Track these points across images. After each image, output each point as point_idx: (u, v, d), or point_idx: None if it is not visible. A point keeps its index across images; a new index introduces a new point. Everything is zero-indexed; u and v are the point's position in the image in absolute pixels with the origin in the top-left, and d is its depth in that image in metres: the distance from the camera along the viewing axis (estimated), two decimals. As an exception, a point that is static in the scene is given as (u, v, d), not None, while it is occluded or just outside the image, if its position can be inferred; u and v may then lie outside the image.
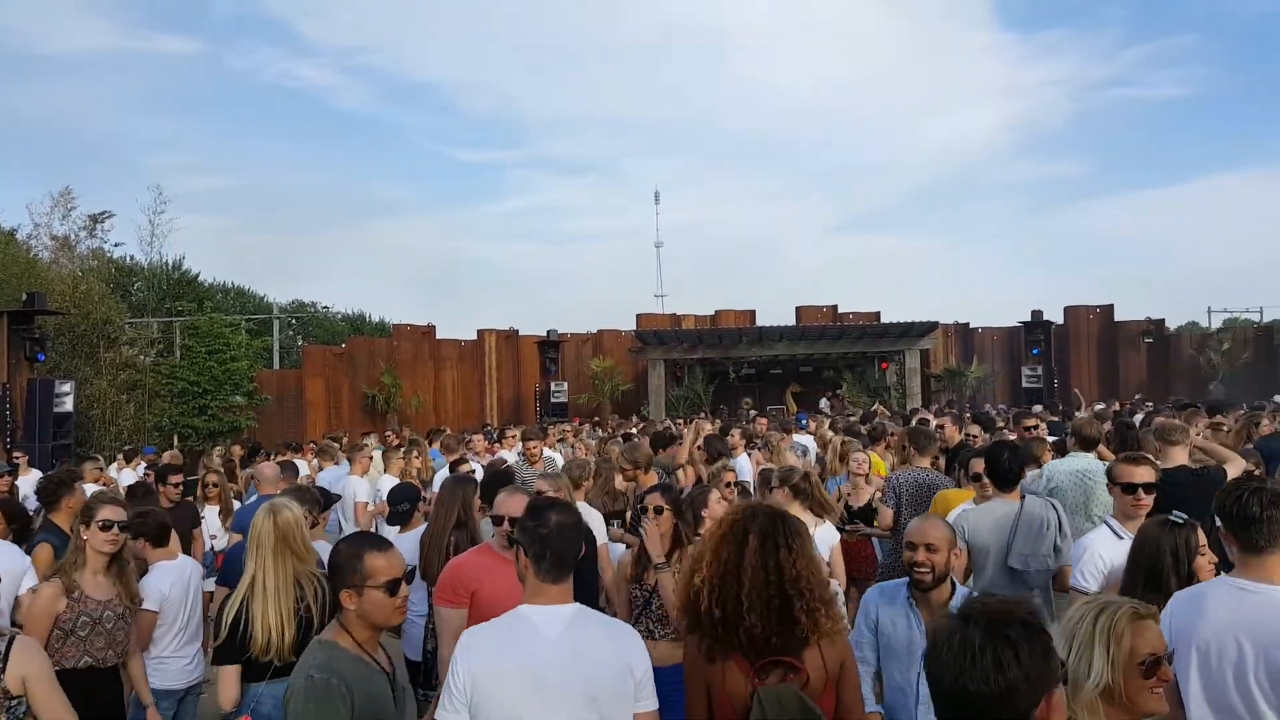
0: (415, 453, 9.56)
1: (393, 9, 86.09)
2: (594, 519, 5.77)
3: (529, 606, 2.61)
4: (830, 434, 10.51)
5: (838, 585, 4.82)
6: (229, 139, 77.98)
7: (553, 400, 25.42)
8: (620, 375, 26.59)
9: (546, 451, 9.21)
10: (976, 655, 1.64)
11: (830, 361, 26.26)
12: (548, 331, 26.79)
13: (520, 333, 28.12)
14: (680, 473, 8.62)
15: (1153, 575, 3.25)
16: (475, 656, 2.51)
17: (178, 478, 7.22)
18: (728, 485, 6.27)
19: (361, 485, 8.78)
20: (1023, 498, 4.77)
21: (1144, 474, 4.16)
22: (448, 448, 10.41)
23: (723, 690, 2.60)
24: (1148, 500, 4.11)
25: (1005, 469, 4.85)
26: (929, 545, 3.33)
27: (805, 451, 10.17)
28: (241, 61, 75.41)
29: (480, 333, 27.78)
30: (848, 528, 6.33)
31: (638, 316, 28.11)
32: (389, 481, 8.47)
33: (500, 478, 5.97)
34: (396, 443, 13.61)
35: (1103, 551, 3.96)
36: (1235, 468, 4.87)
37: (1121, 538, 4.01)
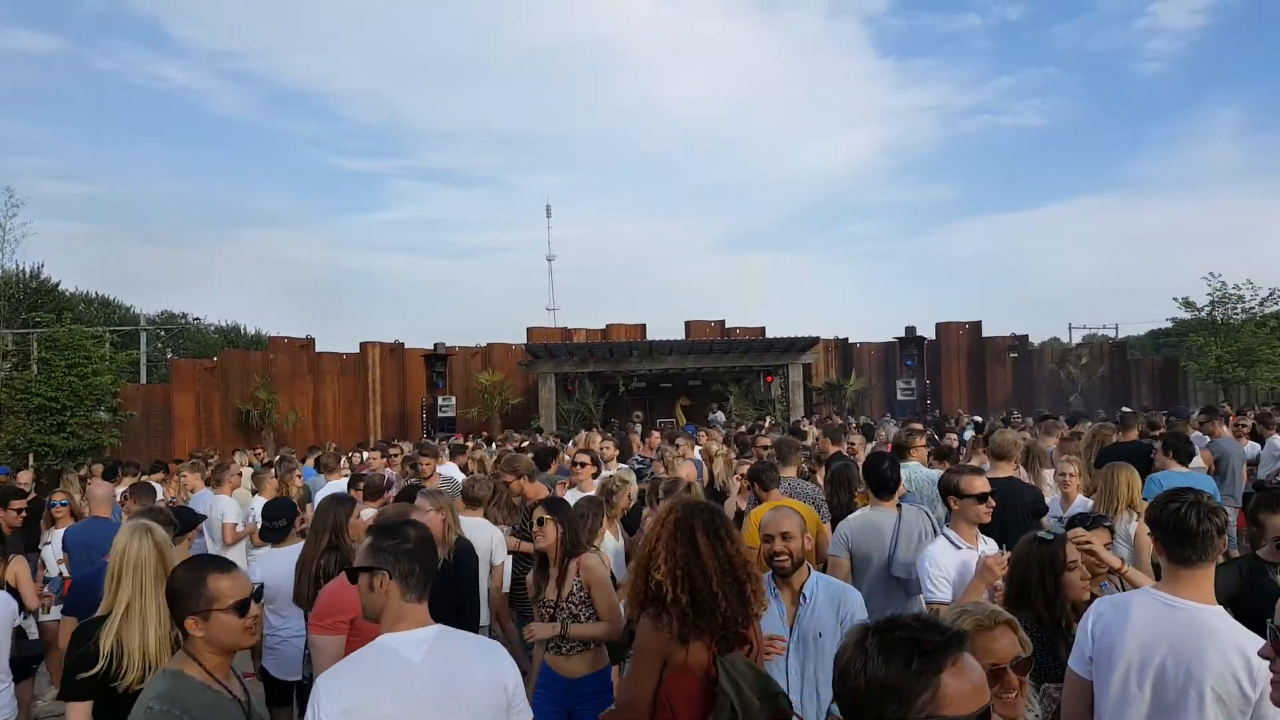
0: (291, 471, 9.14)
1: (269, 12, 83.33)
2: (495, 536, 5.69)
3: (390, 636, 2.49)
4: (716, 446, 10.65)
5: None
6: (92, 142, 73.79)
7: (440, 415, 24.93)
8: (510, 389, 26.31)
9: (447, 471, 8.94)
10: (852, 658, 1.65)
11: (718, 375, 26.69)
12: (435, 345, 26.29)
13: (406, 346, 27.49)
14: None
15: (1022, 589, 3.32)
16: (341, 701, 2.35)
17: (20, 502, 6.70)
18: (629, 497, 6.33)
19: (230, 505, 8.37)
20: (900, 507, 4.92)
21: (983, 484, 4.35)
22: (326, 466, 10.03)
23: (685, 665, 2.80)
24: (989, 509, 4.29)
25: (884, 479, 4.99)
26: (784, 534, 3.52)
27: (696, 464, 10.29)
28: (106, 61, 71.52)
29: (363, 345, 26.99)
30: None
31: (528, 330, 27.93)
32: (262, 502, 8.11)
33: (405, 494, 5.82)
34: (266, 460, 13.04)
35: (943, 561, 4.11)
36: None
37: (959, 547, 4.19)
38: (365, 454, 11.86)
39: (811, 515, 5.68)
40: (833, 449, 8.78)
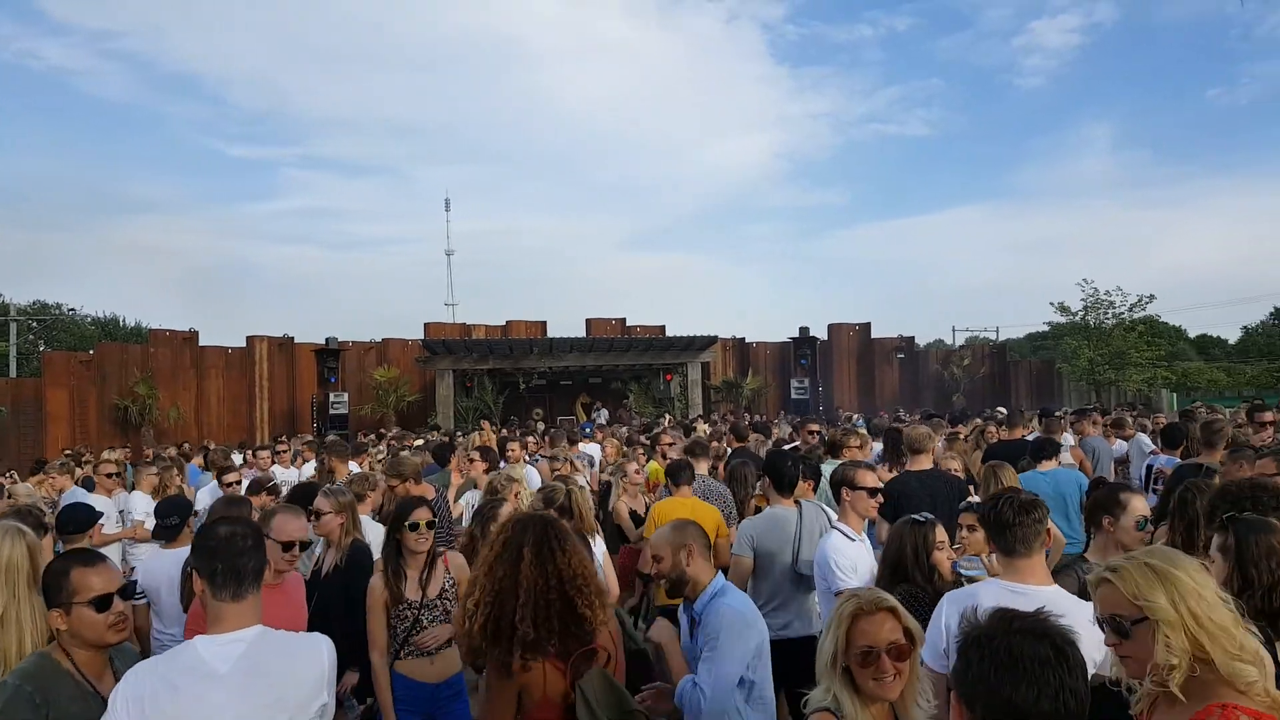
0: (170, 469, 8.70)
1: (155, -12, 79.12)
2: (377, 533, 5.52)
3: (203, 639, 2.41)
4: (616, 443, 10.69)
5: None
6: (-47, 118, 68.39)
7: (332, 412, 24.20)
8: (406, 385, 25.75)
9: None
10: (1071, 669, 1.63)
11: (618, 373, 26.78)
12: (327, 339, 25.50)
13: (296, 340, 26.54)
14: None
15: (898, 568, 3.61)
16: (131, 711, 2.24)
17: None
18: (515, 495, 6.23)
19: (106, 504, 7.92)
20: (799, 504, 5.02)
21: (874, 479, 4.60)
22: (213, 464, 9.61)
23: (544, 693, 2.71)
24: (878, 503, 4.55)
25: (787, 476, 5.10)
26: (655, 558, 3.44)
27: (592, 462, 10.28)
28: (-27, 34, 66.42)
29: (250, 340, 25.94)
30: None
31: (426, 325, 27.39)
32: (140, 500, 7.72)
33: (297, 494, 5.60)
34: (147, 457, 12.38)
35: (847, 551, 4.26)
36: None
37: (854, 539, 4.36)
38: (251, 453, 11.37)
39: (712, 516, 5.77)
40: (737, 445, 8.94)
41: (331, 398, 24.41)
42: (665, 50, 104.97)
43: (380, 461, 10.32)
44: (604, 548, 5.55)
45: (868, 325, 30.29)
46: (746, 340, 29.75)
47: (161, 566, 4.66)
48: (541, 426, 19.34)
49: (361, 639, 4.03)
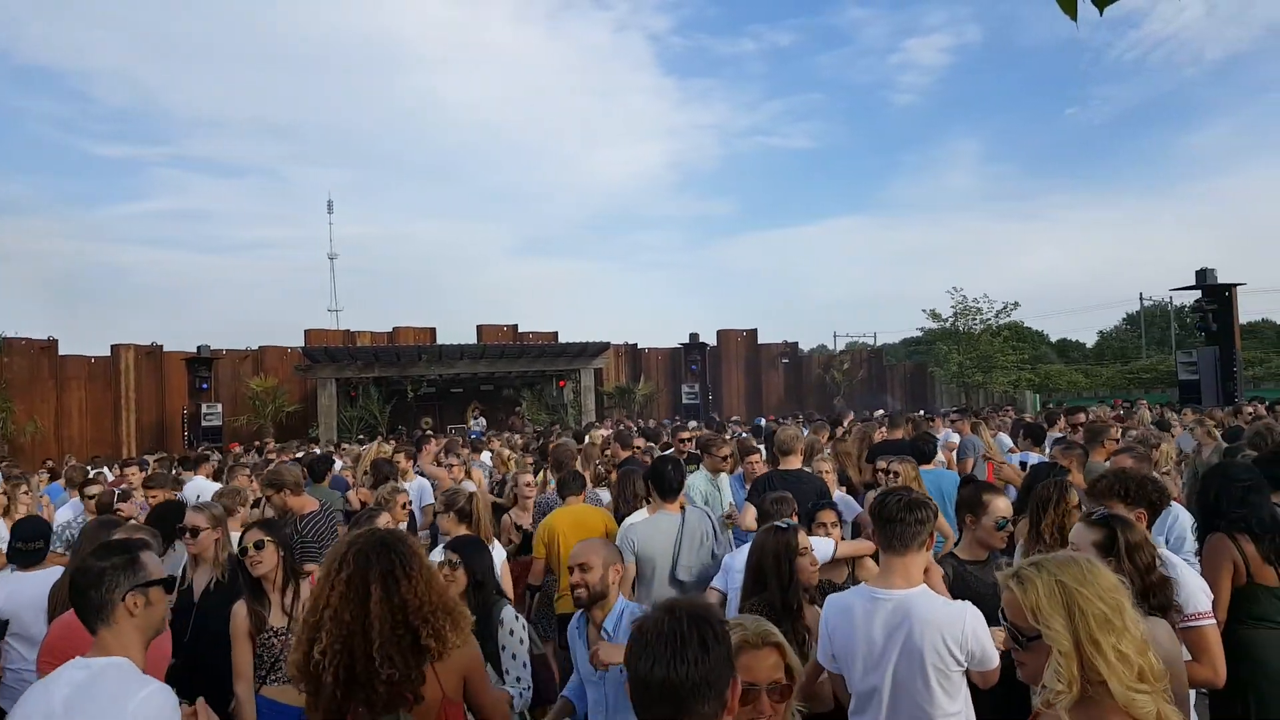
0: (18, 487, 8.09)
1: (5, -28, 73.78)
2: None
3: (76, 660, 2.35)
4: (509, 452, 10.58)
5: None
6: None
7: (205, 424, 23.06)
8: (285, 395, 24.80)
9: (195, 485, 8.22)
10: (684, 641, 1.73)
11: (511, 380, 26.53)
12: (199, 348, 24.28)
13: (165, 349, 25.18)
14: (352, 494, 8.25)
15: (759, 575, 3.56)
16: None
17: None
18: (403, 506, 6.08)
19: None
20: (683, 509, 5.07)
21: None
22: (71, 481, 9.00)
23: None
24: None
25: (669, 482, 5.13)
26: (582, 565, 3.44)
27: (491, 471, 10.14)
28: None
29: (115, 348, 24.44)
30: None
31: (306, 332, 26.43)
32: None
33: (159, 512, 5.30)
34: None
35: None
36: None
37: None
38: (120, 469, 10.67)
39: (599, 518, 5.77)
40: (623, 454, 8.96)
41: (204, 409, 23.25)
42: (554, 57, 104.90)
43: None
44: (504, 555, 5.49)
45: (754, 331, 31.00)
46: (639, 346, 29.96)
47: (19, 594, 4.35)
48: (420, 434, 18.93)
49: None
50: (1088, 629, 1.81)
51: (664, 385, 29.22)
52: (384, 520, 4.69)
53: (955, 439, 9.96)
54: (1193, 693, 3.20)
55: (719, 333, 30.45)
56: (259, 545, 3.84)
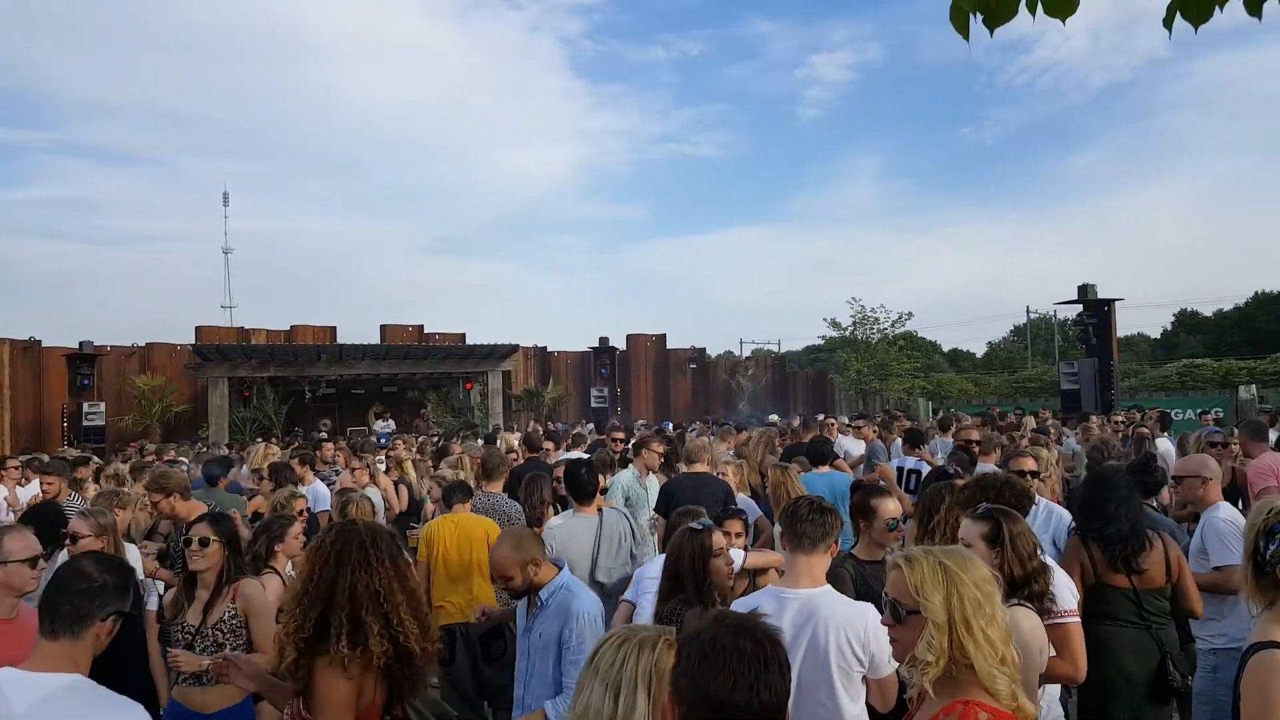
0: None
1: None
2: (132, 555, 5.06)
3: (11, 671, 2.24)
4: (406, 455, 10.42)
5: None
6: None
7: (86, 423, 21.84)
8: (174, 394, 23.72)
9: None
10: (768, 663, 1.70)
11: (415, 382, 26.05)
12: (80, 343, 22.98)
13: (43, 343, 23.76)
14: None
15: (675, 576, 3.65)
16: None
17: None
18: (300, 513, 5.93)
19: None
20: (600, 512, 5.09)
21: None
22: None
23: (372, 706, 2.55)
24: None
25: (584, 485, 5.16)
26: (504, 578, 3.46)
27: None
28: None
29: (-13, 342, 22.96)
30: None
31: (198, 329, 25.31)
32: None
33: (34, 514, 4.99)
34: None
35: None
36: None
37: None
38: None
39: (482, 528, 5.74)
40: (529, 456, 8.94)
41: (86, 407, 22.02)
42: (465, 55, 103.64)
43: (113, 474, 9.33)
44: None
45: (664, 336, 31.32)
46: (548, 349, 29.84)
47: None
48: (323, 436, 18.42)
49: (133, 673, 3.69)
50: (962, 610, 1.97)
51: (573, 389, 29.17)
52: (294, 531, 4.58)
53: (853, 446, 10.30)
54: (1056, 688, 3.42)
55: (629, 337, 30.60)
56: (204, 542, 3.76)
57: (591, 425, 19.29)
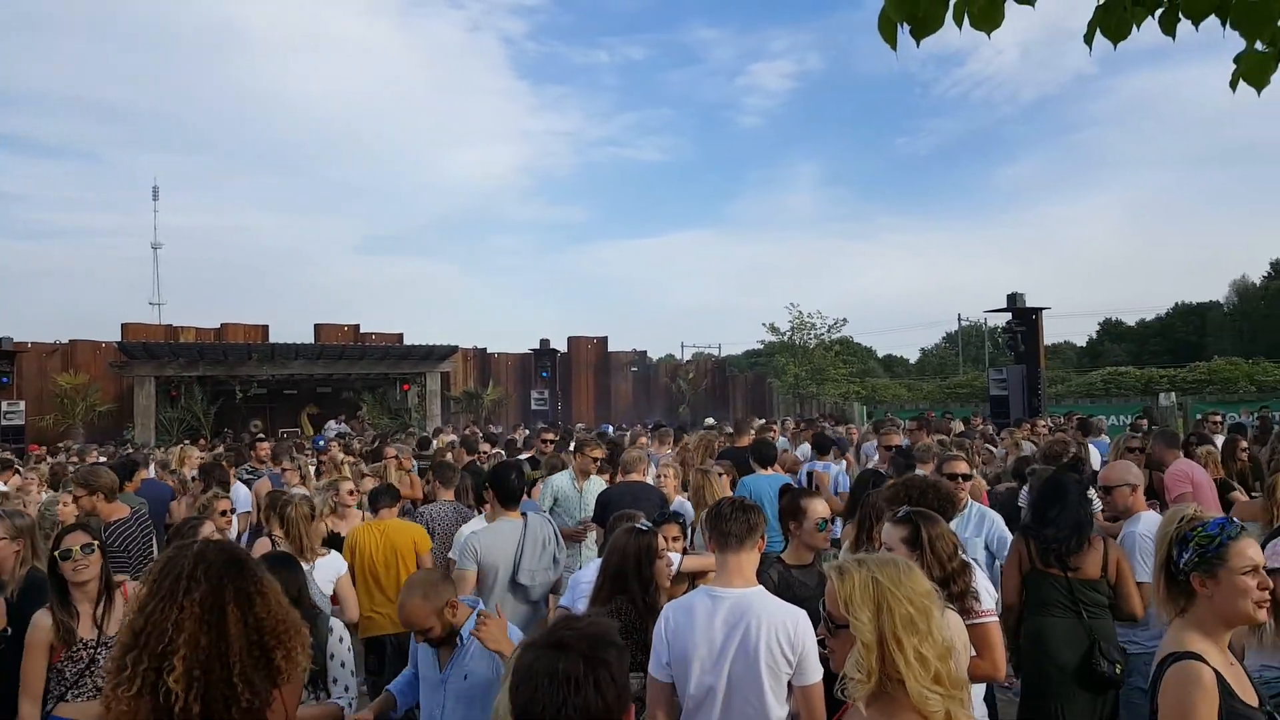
0: None
1: None
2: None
3: None
4: (342, 456, 10.24)
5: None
6: None
7: (5, 422, 20.99)
8: (98, 393, 22.90)
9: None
10: (579, 684, 1.66)
11: (350, 382, 25.59)
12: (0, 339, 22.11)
13: (-41, 340, 22.74)
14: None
15: (618, 577, 3.65)
16: None
17: None
18: (223, 514, 5.79)
19: None
20: (524, 515, 5.08)
21: None
22: None
23: None
24: None
25: (512, 488, 5.13)
26: (422, 631, 3.39)
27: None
28: None
29: (-103, 338, 21.87)
30: None
31: (124, 326, 24.51)
32: None
33: None
34: None
35: None
36: None
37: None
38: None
39: (408, 534, 5.71)
40: (466, 459, 8.87)
41: (4, 406, 21.16)
42: (405, 52, 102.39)
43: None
44: (344, 566, 5.30)
45: (605, 339, 31.26)
46: (488, 351, 29.59)
47: None
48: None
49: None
50: (893, 626, 1.91)
51: (513, 391, 28.97)
52: (208, 529, 4.44)
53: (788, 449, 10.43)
54: (980, 688, 3.52)
55: (570, 339, 30.49)
56: (87, 549, 3.57)
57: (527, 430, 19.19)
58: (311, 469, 9.68)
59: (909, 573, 2.02)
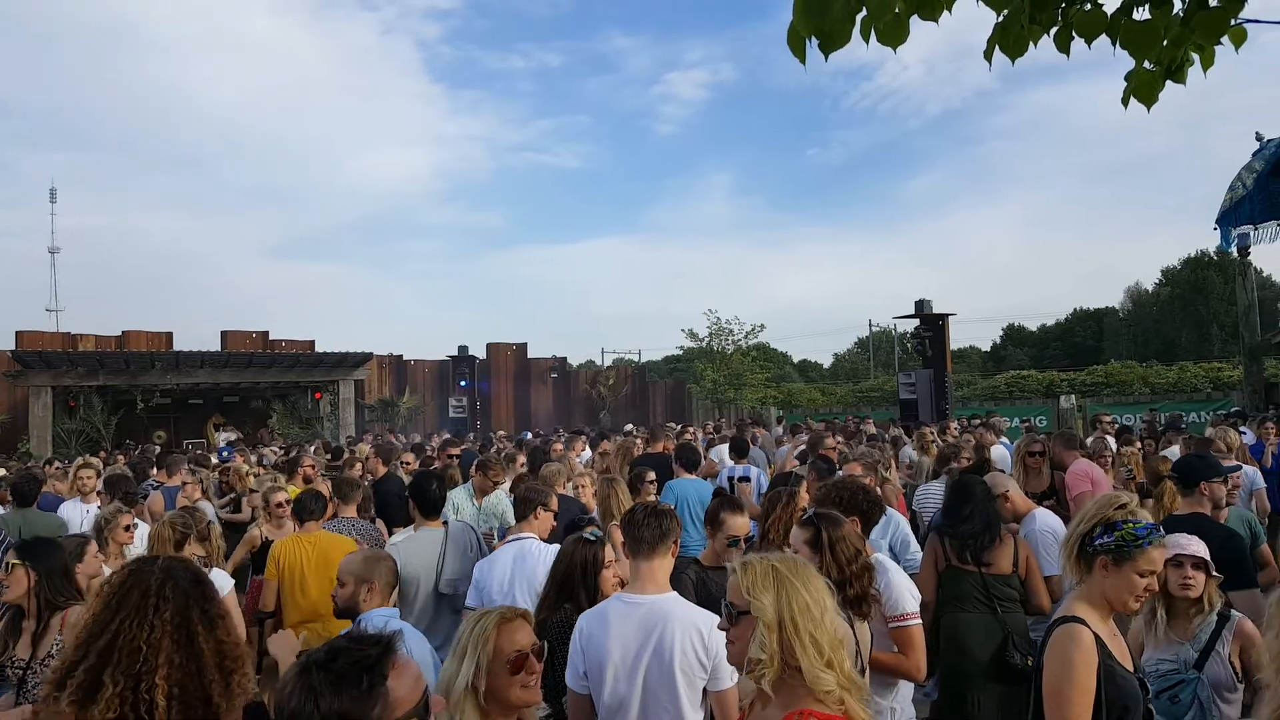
0: None
1: None
2: None
3: None
4: (247, 468, 9.93)
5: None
6: None
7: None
8: (-13, 405, 21.66)
9: None
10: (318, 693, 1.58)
11: (259, 391, 24.79)
12: (-126, 348, 20.71)
13: None
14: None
15: (565, 585, 3.63)
16: None
17: None
18: (125, 529, 5.53)
19: None
20: (446, 524, 5.00)
21: None
22: None
23: None
24: None
25: (432, 498, 5.05)
26: (340, 581, 3.43)
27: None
28: None
29: None
30: None
31: (19, 334, 23.16)
32: None
33: None
34: None
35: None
36: None
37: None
38: None
39: (341, 548, 5.53)
40: (382, 470, 8.69)
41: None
42: (316, 54, 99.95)
43: None
44: (230, 584, 5.10)
45: (525, 345, 31.04)
46: (404, 357, 29.05)
47: None
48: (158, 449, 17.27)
49: None
50: (790, 611, 2.02)
51: (430, 398, 28.51)
52: (91, 550, 4.24)
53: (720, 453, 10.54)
54: (910, 689, 3.62)
55: (489, 346, 30.18)
56: (7, 567, 3.50)
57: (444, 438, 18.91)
58: (213, 482, 9.34)
59: (806, 570, 2.14)
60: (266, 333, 26.14)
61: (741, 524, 4.15)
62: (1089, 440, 9.65)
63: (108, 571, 4.71)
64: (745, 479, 7.69)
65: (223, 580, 4.99)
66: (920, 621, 3.57)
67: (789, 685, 2.01)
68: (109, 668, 2.12)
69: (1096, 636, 2.54)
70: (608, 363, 36.97)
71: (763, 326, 31.27)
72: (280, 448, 16.36)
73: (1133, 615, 2.63)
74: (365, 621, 3.25)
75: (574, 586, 3.60)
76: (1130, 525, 2.65)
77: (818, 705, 1.98)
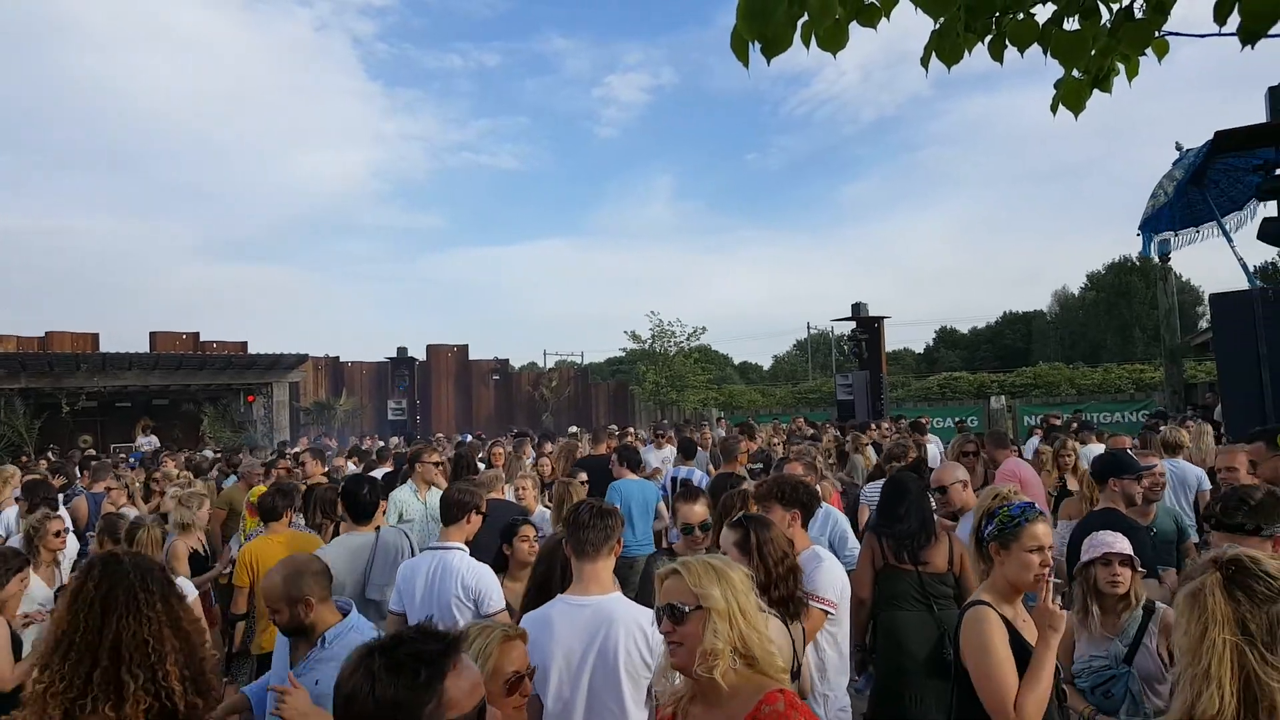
0: None
1: None
2: None
3: None
4: (176, 472, 9.68)
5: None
6: None
7: None
8: (-102, 408, 20.63)
9: None
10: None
11: (190, 393, 24.10)
12: None
13: None
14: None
15: (545, 585, 3.64)
16: None
17: None
18: (56, 535, 5.35)
19: None
20: (378, 529, 4.94)
21: None
22: None
23: None
24: None
25: (364, 503, 4.98)
26: (273, 610, 3.24)
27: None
28: None
29: None
30: None
31: (-69, 335, 22.15)
32: None
33: None
34: None
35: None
36: None
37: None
38: None
39: (313, 546, 5.45)
40: (319, 472, 8.54)
41: None
42: (248, 50, 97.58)
43: None
44: (195, 592, 4.96)
45: (466, 347, 30.78)
46: (341, 359, 28.53)
47: None
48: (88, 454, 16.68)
49: None
50: (736, 598, 2.14)
51: (369, 401, 28.05)
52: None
53: (652, 456, 10.59)
54: (844, 680, 3.70)
55: (429, 348, 29.85)
56: None
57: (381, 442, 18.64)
58: (139, 486, 9.06)
59: (730, 562, 2.28)
60: (197, 334, 25.41)
61: (698, 512, 4.20)
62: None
63: (37, 582, 4.56)
64: (688, 481, 7.75)
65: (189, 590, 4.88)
66: (827, 610, 3.66)
67: (742, 674, 2.06)
68: (123, 666, 2.20)
69: (1003, 617, 2.77)
70: (550, 365, 36.84)
71: (704, 329, 31.46)
72: (215, 451, 15.94)
73: (1041, 593, 2.76)
74: (334, 639, 3.13)
75: (552, 586, 3.58)
76: (1005, 509, 2.90)
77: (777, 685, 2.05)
